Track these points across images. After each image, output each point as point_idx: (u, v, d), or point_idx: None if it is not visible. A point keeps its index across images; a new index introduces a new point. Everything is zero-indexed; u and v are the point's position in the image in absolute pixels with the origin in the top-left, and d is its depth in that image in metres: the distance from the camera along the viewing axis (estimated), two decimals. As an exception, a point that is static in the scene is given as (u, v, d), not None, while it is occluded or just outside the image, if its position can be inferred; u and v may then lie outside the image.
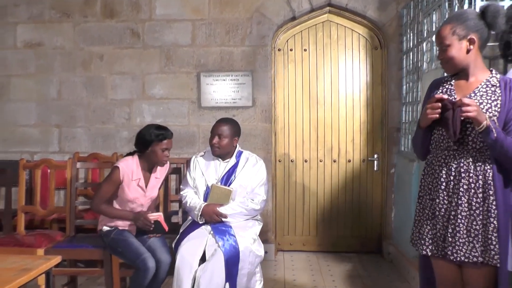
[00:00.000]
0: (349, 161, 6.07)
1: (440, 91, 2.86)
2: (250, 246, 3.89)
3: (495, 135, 2.51)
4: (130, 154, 4.18)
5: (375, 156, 6.03)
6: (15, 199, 4.89)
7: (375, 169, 6.05)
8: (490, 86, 2.69)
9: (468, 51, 2.71)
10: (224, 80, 5.86)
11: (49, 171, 4.87)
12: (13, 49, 6.11)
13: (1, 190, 4.78)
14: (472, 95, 2.70)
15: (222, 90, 5.87)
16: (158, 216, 3.91)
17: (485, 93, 2.68)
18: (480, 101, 2.66)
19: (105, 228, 4.11)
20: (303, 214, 6.20)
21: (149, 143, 3.99)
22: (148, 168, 4.14)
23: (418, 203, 2.91)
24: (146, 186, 4.11)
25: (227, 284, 3.73)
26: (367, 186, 6.11)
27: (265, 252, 4.20)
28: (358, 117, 6.05)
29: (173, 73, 5.95)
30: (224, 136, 4.11)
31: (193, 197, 4.14)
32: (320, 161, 6.10)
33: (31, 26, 6.10)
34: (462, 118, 2.57)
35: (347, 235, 6.18)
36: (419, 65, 5.04)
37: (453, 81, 2.86)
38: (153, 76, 5.98)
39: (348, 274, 5.35)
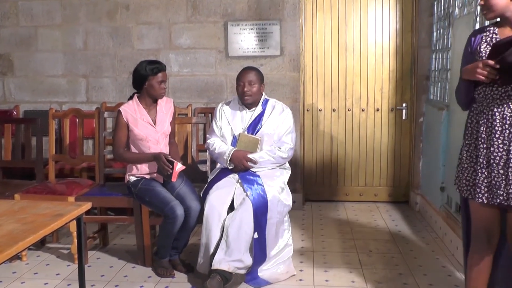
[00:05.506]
0: (378, 110, 6.01)
1: (484, 41, 2.77)
2: (278, 196, 3.90)
3: None
4: (130, 98, 4.21)
5: (404, 105, 5.95)
6: (46, 148, 4.96)
7: (404, 118, 5.98)
8: None
9: None
10: (251, 29, 5.78)
11: (77, 120, 4.91)
12: (39, 0, 6.08)
13: (32, 139, 4.84)
14: None
15: (249, 40, 5.80)
16: (175, 163, 3.88)
17: None
18: None
19: (132, 178, 4.14)
20: (331, 164, 6.19)
21: (145, 78, 4.01)
22: (150, 104, 4.15)
23: (465, 150, 2.88)
24: (154, 122, 4.13)
25: (256, 233, 3.76)
26: (395, 135, 6.06)
27: (293, 202, 4.21)
28: (387, 65, 5.95)
29: (200, 22, 5.87)
30: (254, 82, 4.04)
31: (221, 144, 4.12)
32: (348, 110, 6.04)
33: (55, -24, 6.06)
34: None
35: (375, 185, 6.18)
36: (451, 11, 4.90)
37: (496, 29, 2.77)
38: (179, 25, 5.91)
39: (375, 224, 5.37)
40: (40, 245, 4.69)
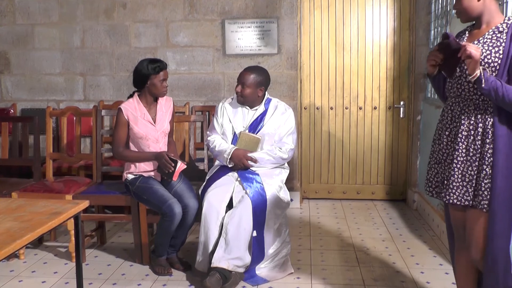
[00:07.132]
0: (375, 108, 6.02)
1: (458, 40, 2.80)
2: (277, 194, 3.90)
3: (483, 85, 2.48)
4: (130, 96, 4.19)
5: (401, 103, 5.96)
6: (43, 147, 4.95)
7: (401, 116, 5.98)
8: (496, 32, 2.61)
9: None
10: (249, 27, 5.77)
11: (74, 118, 4.90)
12: (36, -3, 6.09)
13: (30, 138, 4.84)
14: (475, 42, 2.65)
15: (247, 38, 5.79)
16: (179, 163, 3.88)
17: (489, 40, 2.61)
18: (480, 48, 2.59)
19: (130, 176, 4.13)
20: (329, 162, 6.20)
21: (146, 77, 3.98)
22: (151, 102, 4.13)
23: (431, 147, 2.98)
24: (154, 121, 4.12)
25: (255, 231, 3.76)
26: (393, 134, 6.06)
27: (291, 200, 4.21)
28: (384, 63, 5.95)
29: (197, 20, 5.87)
30: (247, 85, 4.04)
31: (221, 142, 4.13)
32: (346, 108, 6.05)
33: (53, -26, 6.05)
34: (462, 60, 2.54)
35: (372, 183, 6.18)
36: (448, 9, 4.90)
37: (468, 30, 2.83)
38: (177, 24, 5.91)
39: (373, 222, 5.37)
40: (38, 243, 4.69)
